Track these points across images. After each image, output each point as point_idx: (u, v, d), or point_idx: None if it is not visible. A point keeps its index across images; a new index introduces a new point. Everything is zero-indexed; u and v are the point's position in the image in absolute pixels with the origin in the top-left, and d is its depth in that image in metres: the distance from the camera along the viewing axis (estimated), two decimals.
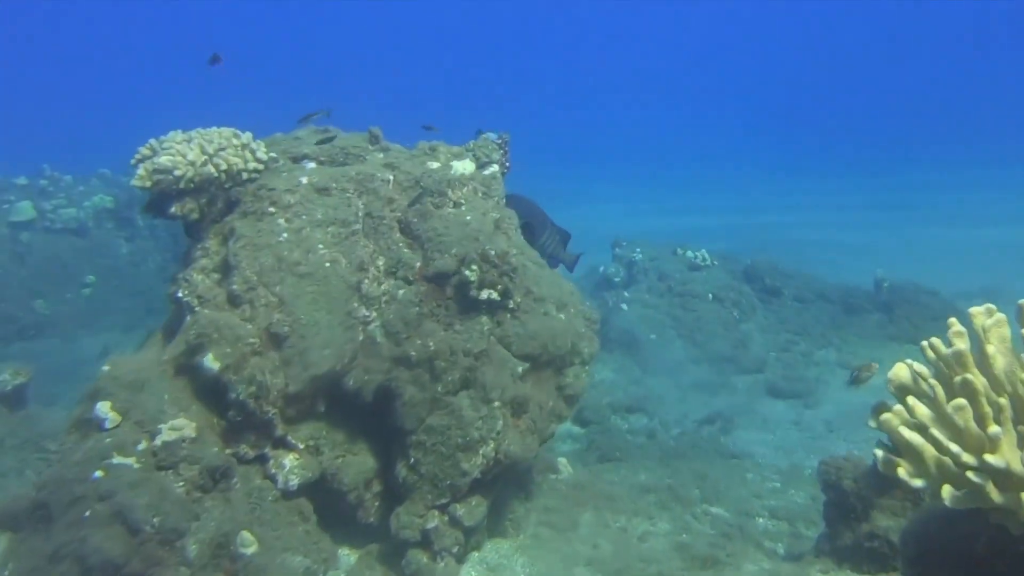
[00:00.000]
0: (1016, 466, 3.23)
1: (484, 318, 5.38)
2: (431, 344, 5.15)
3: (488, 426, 5.14)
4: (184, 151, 5.21)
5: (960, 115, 54.40)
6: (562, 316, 5.73)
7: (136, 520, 3.97)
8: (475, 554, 5.37)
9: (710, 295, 12.00)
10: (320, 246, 5.26)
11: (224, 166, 5.30)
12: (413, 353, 5.13)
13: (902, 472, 3.73)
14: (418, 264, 5.42)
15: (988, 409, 3.46)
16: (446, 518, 5.09)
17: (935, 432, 3.53)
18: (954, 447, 3.47)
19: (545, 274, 5.88)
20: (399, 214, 5.57)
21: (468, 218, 5.58)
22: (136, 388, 4.61)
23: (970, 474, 3.31)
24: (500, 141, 6.16)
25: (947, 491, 3.12)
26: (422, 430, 5.09)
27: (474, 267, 5.29)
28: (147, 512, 4.02)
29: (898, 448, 3.84)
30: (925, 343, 4.08)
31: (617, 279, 12.72)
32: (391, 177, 5.66)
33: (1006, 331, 3.82)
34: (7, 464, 7.11)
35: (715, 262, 12.97)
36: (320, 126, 6.13)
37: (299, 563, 4.70)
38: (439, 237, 5.44)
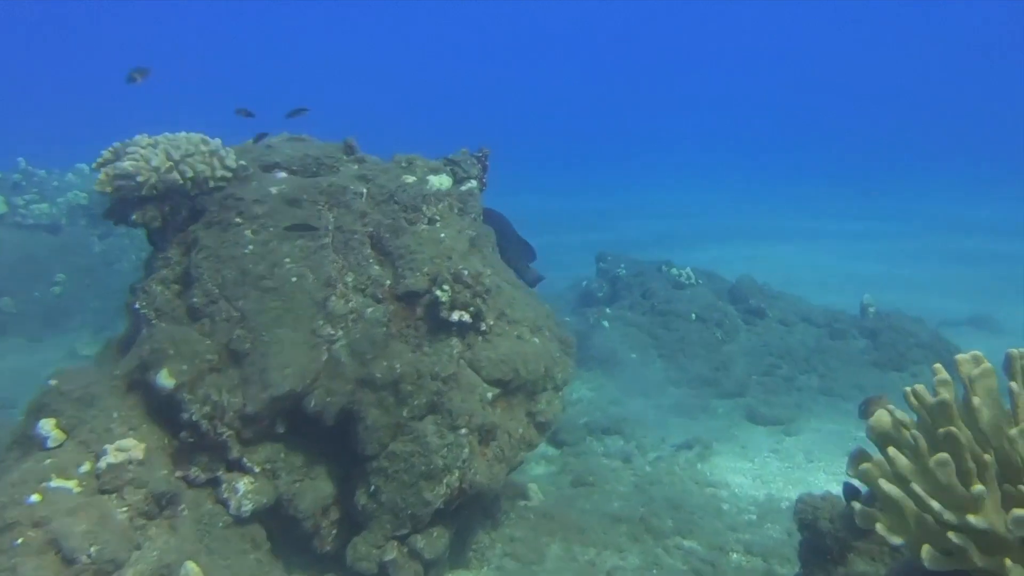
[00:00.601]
0: (1000, 528, 3.06)
1: (454, 340, 5.18)
2: (398, 366, 4.95)
3: (453, 454, 4.94)
4: (148, 156, 5.00)
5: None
6: (536, 340, 5.54)
7: (72, 549, 3.74)
8: None
9: (693, 315, 11.81)
10: (287, 260, 5.06)
11: (190, 173, 5.09)
12: (378, 375, 4.93)
13: (880, 527, 3.55)
14: (388, 282, 5.23)
15: (972, 465, 3.29)
16: (405, 550, 4.89)
17: (916, 487, 3.35)
18: (936, 504, 3.29)
19: (520, 295, 5.70)
20: (371, 229, 5.37)
21: (442, 235, 5.39)
22: (84, 404, 4.39)
23: (952, 534, 3.14)
24: (480, 155, 5.97)
25: (927, 552, 2.94)
26: (384, 456, 4.88)
27: (446, 287, 5.09)
28: (84, 540, 3.78)
29: (877, 500, 3.66)
30: (909, 390, 3.90)
31: (600, 294, 12.55)
32: (364, 190, 5.46)
33: (993, 382, 3.65)
34: None
35: (700, 281, 12.79)
36: (295, 134, 5.93)
37: None
38: (411, 254, 5.25)
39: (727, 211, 31.94)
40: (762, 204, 34.31)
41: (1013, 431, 3.34)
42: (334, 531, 4.99)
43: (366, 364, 4.95)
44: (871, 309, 12.53)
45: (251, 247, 5.05)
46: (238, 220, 5.11)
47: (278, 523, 4.85)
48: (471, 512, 5.40)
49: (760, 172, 43.17)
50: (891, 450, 3.54)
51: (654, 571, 5.80)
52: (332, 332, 4.99)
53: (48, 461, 4.10)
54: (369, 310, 5.10)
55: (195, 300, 4.86)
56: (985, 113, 60.52)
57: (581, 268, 14.24)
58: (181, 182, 5.07)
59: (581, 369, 10.65)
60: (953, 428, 3.33)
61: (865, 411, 7.12)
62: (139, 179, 4.93)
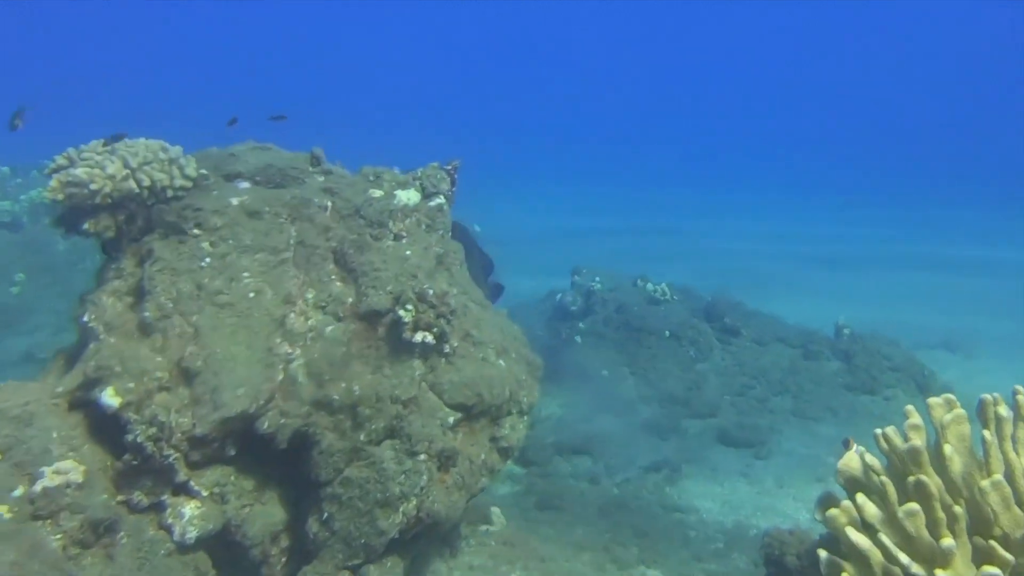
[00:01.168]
0: None
1: (417, 362, 5.01)
2: (356, 388, 4.77)
3: (411, 481, 4.77)
4: (103, 163, 4.80)
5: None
6: (502, 363, 5.38)
7: None
8: None
9: (667, 332, 11.71)
10: (245, 274, 4.89)
11: (147, 182, 4.90)
12: (336, 397, 4.75)
13: None
14: (350, 300, 5.05)
15: (942, 515, 3.18)
16: None
17: (884, 538, 3.24)
18: (903, 557, 3.19)
19: (487, 316, 5.54)
20: (335, 244, 5.19)
21: (408, 253, 5.22)
22: (22, 423, 4.19)
23: None
24: (450, 168, 5.81)
25: None
26: (338, 482, 4.70)
27: (409, 307, 4.93)
28: (11, 571, 3.59)
29: (844, 548, 3.55)
30: (879, 433, 3.80)
31: (574, 307, 12.41)
32: (329, 204, 5.29)
33: (966, 429, 3.54)
34: None
35: (675, 297, 12.69)
36: (260, 143, 5.74)
37: None
38: (375, 272, 5.07)
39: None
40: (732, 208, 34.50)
41: (985, 483, 3.23)
42: (284, 559, 4.79)
43: (324, 385, 4.77)
44: (846, 331, 12.48)
45: (208, 260, 4.86)
46: (196, 231, 4.92)
47: (225, 550, 4.65)
48: (428, 541, 5.22)
49: (733, 178, 43.28)
50: (860, 497, 3.43)
51: None
52: (290, 351, 4.81)
53: None
54: (329, 328, 4.93)
55: (147, 314, 4.66)
56: (970, 128, 61.18)
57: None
58: (137, 191, 4.87)
59: (551, 385, 10.50)
60: (924, 476, 3.22)
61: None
62: (93, 187, 4.72)
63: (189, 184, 5.08)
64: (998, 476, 3.19)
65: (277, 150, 5.67)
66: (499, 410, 5.33)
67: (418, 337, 4.92)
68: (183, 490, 4.51)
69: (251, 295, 4.83)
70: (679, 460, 8.97)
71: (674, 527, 7.27)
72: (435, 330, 4.96)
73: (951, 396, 3.57)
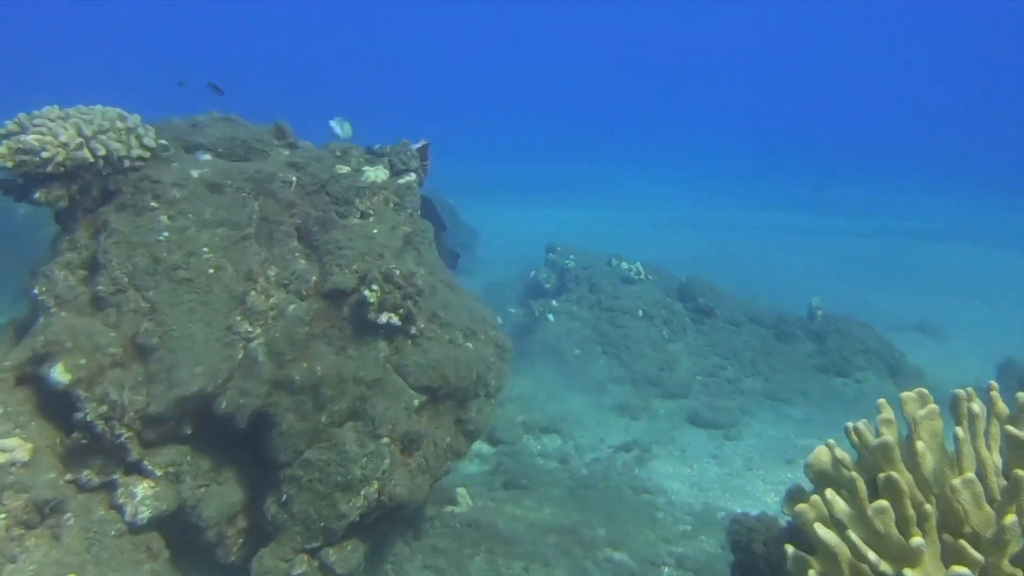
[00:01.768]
0: None
1: (382, 343, 4.89)
2: (318, 369, 4.65)
3: (373, 464, 4.66)
4: (56, 130, 4.61)
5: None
6: (470, 345, 5.27)
7: None
8: None
9: (640, 311, 11.65)
10: (205, 249, 4.73)
11: (102, 151, 4.71)
12: (297, 377, 4.63)
13: (813, 575, 3.39)
14: (314, 278, 4.91)
15: (912, 512, 3.11)
16: (316, 563, 4.60)
17: (852, 535, 3.17)
18: (872, 555, 3.12)
19: (456, 297, 5.42)
20: (299, 221, 5.04)
21: (375, 231, 5.08)
22: None
23: None
24: (420, 147, 5.67)
25: None
26: (298, 464, 4.59)
27: (375, 287, 4.80)
28: None
29: (812, 543, 3.48)
30: (850, 426, 3.72)
31: (548, 285, 12.32)
32: (294, 179, 5.13)
33: (938, 424, 3.47)
34: None
35: (650, 276, 12.63)
36: (225, 114, 5.56)
37: None
38: (340, 250, 4.94)
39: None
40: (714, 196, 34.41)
41: (956, 481, 3.16)
42: (240, 541, 4.68)
43: (284, 365, 4.64)
44: (819, 312, 12.48)
45: (166, 234, 4.69)
46: (154, 204, 4.75)
47: (180, 531, 4.53)
48: (391, 524, 5.13)
49: (713, 167, 43.07)
50: (829, 492, 3.35)
51: None
52: (250, 329, 4.68)
53: None
54: (291, 307, 4.79)
55: (101, 288, 4.50)
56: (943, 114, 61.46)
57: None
58: (92, 160, 4.68)
59: (522, 363, 10.42)
60: (894, 473, 3.15)
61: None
62: (44, 155, 4.53)
63: (147, 155, 4.90)
64: (970, 474, 3.12)
65: (242, 122, 5.50)
66: (466, 393, 5.22)
67: (383, 318, 4.80)
68: (136, 469, 4.38)
69: (210, 271, 4.68)
70: (649, 441, 8.95)
71: (642, 508, 7.23)
72: (401, 311, 4.84)
73: (924, 390, 3.49)
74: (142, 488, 4.35)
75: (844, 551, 3.11)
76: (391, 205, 5.28)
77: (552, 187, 33.43)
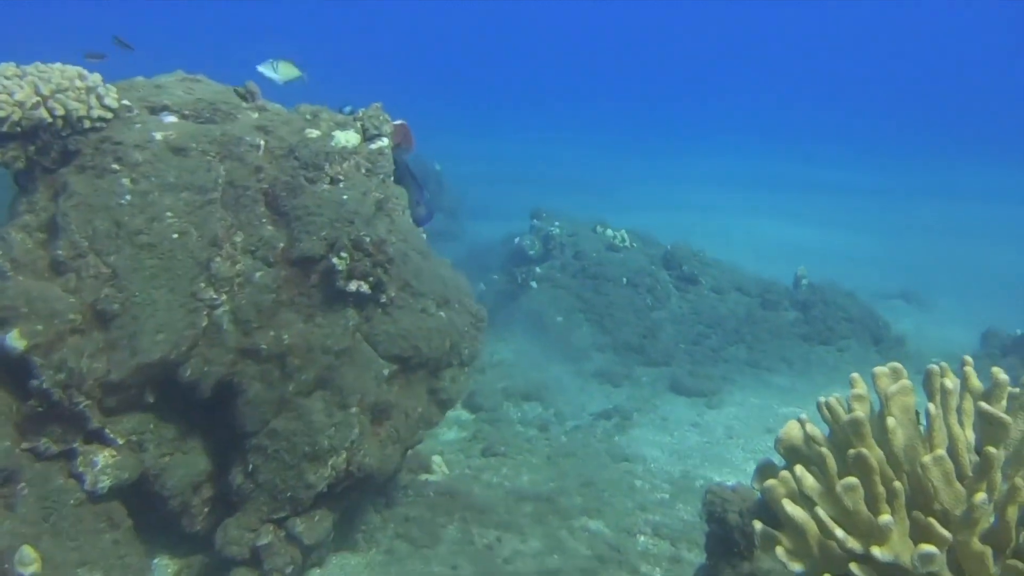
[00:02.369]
0: (905, 560, 2.83)
1: (351, 312, 4.79)
2: (286, 337, 4.56)
3: (342, 434, 4.59)
4: (12, 88, 4.45)
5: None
6: (442, 314, 5.17)
7: None
8: (316, 571, 4.84)
9: (624, 279, 11.56)
10: (168, 214, 4.59)
11: (60, 111, 4.55)
12: (264, 345, 4.53)
13: (780, 552, 3.33)
14: (282, 245, 4.79)
15: (881, 490, 3.05)
16: (282, 533, 4.54)
17: (821, 512, 3.10)
18: (839, 532, 3.06)
19: (429, 266, 5.30)
20: (267, 186, 4.90)
21: (345, 197, 4.95)
22: None
23: (854, 566, 2.91)
24: (399, 124, 5.53)
25: None
26: (265, 433, 4.51)
27: (344, 254, 4.69)
28: None
29: (780, 519, 3.42)
30: (822, 401, 3.65)
31: (532, 252, 12.19)
32: (262, 142, 4.97)
33: (911, 400, 3.40)
34: None
35: (634, 244, 12.52)
36: (190, 74, 5.39)
37: None
38: (309, 216, 4.81)
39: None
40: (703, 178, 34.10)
41: (927, 458, 3.09)
42: (206, 510, 4.61)
43: (250, 333, 4.54)
44: (804, 281, 12.42)
45: (128, 197, 4.55)
46: (115, 166, 4.60)
47: (144, 500, 4.45)
48: (362, 493, 5.06)
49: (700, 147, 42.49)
50: (798, 468, 3.29)
51: (555, 556, 5.56)
52: (215, 296, 4.56)
53: None
54: (258, 274, 4.67)
55: (60, 252, 4.37)
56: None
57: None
58: (50, 120, 4.53)
59: (504, 330, 10.35)
60: (864, 450, 3.08)
61: None
62: None
63: (109, 115, 4.74)
64: (940, 451, 3.05)
65: (208, 82, 5.33)
66: (438, 362, 5.14)
67: (352, 286, 4.70)
68: (96, 437, 4.29)
69: (174, 236, 4.54)
70: (630, 408, 8.90)
71: (621, 476, 7.19)
72: (371, 279, 4.73)
73: (898, 365, 3.42)
74: (103, 457, 4.26)
75: (812, 527, 3.05)
76: (362, 171, 5.14)
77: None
